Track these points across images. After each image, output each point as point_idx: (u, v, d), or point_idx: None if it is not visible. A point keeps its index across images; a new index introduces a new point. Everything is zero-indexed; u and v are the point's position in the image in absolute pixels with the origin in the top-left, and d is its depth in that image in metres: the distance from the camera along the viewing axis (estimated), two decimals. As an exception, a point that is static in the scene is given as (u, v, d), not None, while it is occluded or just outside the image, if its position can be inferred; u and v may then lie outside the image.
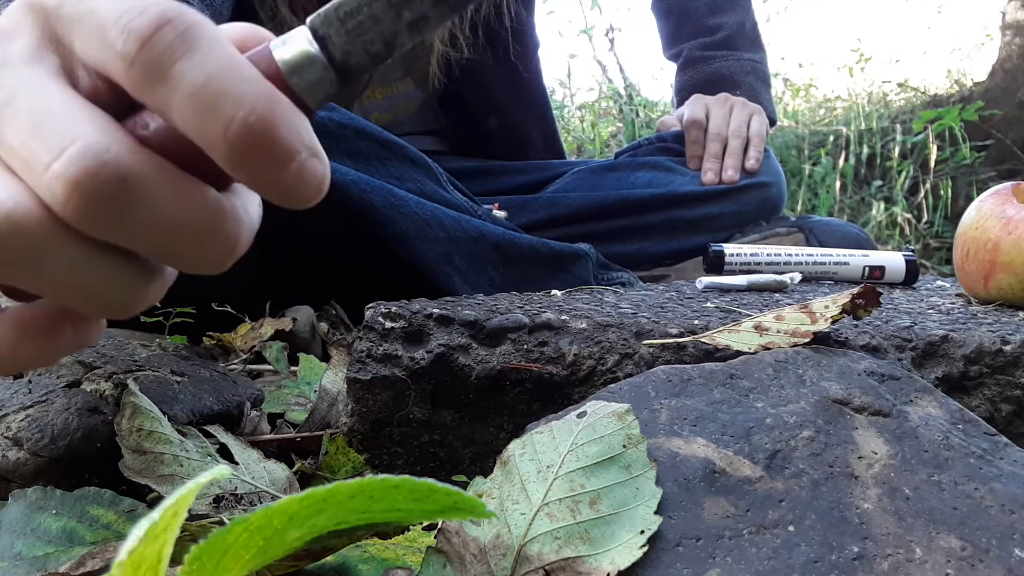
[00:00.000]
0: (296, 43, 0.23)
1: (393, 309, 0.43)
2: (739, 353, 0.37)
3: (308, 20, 0.23)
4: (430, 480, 0.22)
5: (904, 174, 3.13)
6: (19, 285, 0.24)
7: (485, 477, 0.31)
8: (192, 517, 0.34)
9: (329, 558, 0.31)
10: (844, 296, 0.39)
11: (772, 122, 1.12)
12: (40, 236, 0.22)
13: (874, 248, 0.91)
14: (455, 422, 0.42)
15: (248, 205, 0.25)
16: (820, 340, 0.38)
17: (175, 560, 0.19)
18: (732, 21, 1.16)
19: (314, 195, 0.23)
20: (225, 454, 0.40)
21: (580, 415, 0.32)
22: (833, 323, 0.38)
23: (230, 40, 0.23)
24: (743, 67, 1.15)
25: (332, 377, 0.51)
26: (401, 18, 0.22)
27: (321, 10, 0.22)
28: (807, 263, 0.73)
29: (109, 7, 0.22)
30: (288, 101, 0.22)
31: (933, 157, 3.06)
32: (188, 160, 0.23)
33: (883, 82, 4.06)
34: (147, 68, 0.21)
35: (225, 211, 0.23)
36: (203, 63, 0.21)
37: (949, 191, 2.98)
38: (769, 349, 0.37)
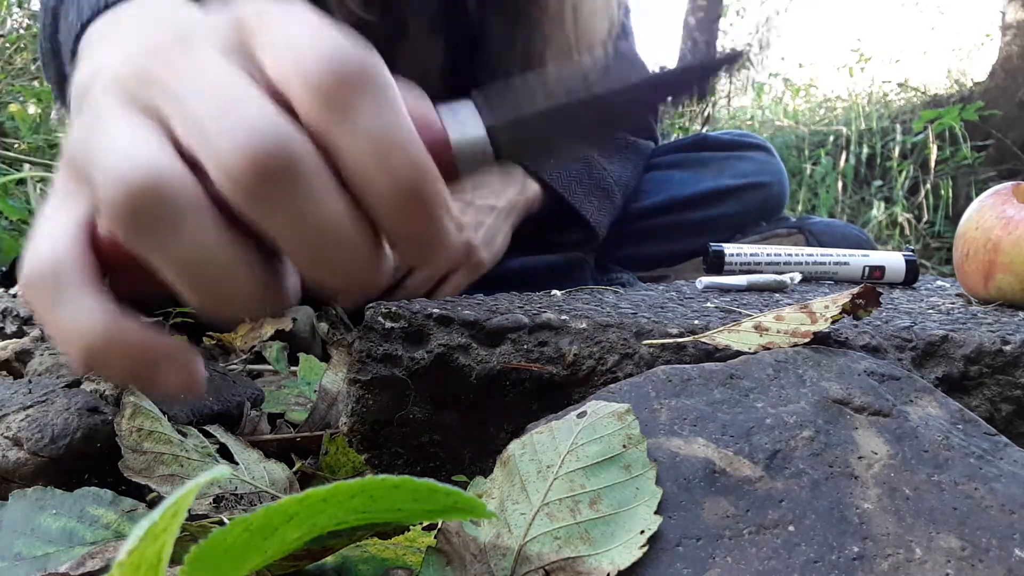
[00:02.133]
0: (470, 128, 0.24)
1: (393, 309, 0.43)
2: (739, 353, 0.37)
3: (482, 112, 0.25)
4: (430, 480, 0.22)
5: (904, 174, 3.13)
6: (144, 253, 0.24)
7: (485, 477, 0.31)
8: (192, 517, 0.34)
9: (329, 558, 0.31)
10: (844, 296, 0.39)
11: (595, 235, 0.88)
12: (186, 202, 0.23)
13: (874, 248, 0.91)
14: (455, 422, 0.42)
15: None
16: (820, 340, 0.38)
17: (175, 560, 0.19)
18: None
19: (441, 253, 0.25)
20: (225, 454, 0.40)
21: (580, 415, 0.32)
22: (833, 323, 0.38)
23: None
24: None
25: (332, 377, 0.51)
26: (567, 144, 0.24)
27: (499, 112, 0.24)
28: (807, 263, 0.73)
29: (309, 33, 0.24)
30: (437, 172, 0.24)
31: (933, 157, 3.07)
32: None
33: (883, 82, 4.06)
34: (333, 105, 0.23)
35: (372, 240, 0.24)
36: (381, 113, 0.23)
37: (949, 191, 2.98)
38: (769, 349, 0.37)
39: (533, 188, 0.81)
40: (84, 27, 0.38)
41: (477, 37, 0.85)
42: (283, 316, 0.74)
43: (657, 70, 0.24)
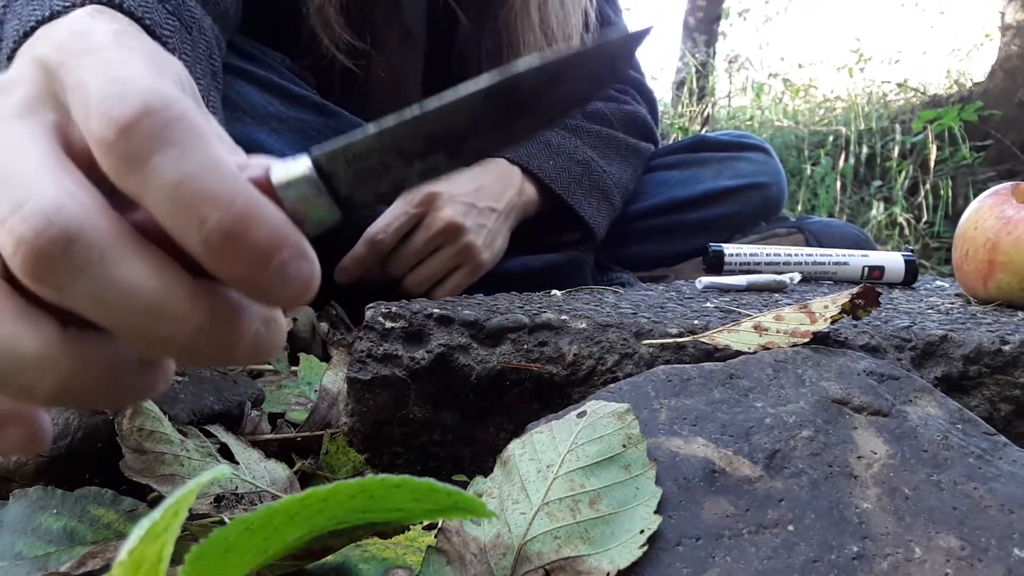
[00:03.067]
0: (296, 168, 0.22)
1: (393, 309, 0.43)
2: (739, 353, 0.37)
3: (312, 151, 0.22)
4: (430, 480, 0.22)
5: (904, 174, 3.13)
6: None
7: (485, 477, 0.31)
8: (193, 517, 0.34)
9: (329, 558, 0.31)
10: (843, 296, 0.39)
11: (593, 236, 0.87)
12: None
13: (873, 248, 0.91)
14: (455, 422, 0.42)
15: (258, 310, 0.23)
16: (819, 340, 0.38)
17: (176, 560, 0.19)
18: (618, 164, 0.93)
19: (299, 295, 0.22)
20: (226, 454, 0.40)
21: (580, 415, 0.32)
22: (832, 323, 0.39)
23: (220, 140, 0.23)
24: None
25: (332, 377, 0.51)
26: (412, 167, 0.22)
27: (327, 146, 0.22)
28: (806, 263, 0.73)
29: (96, 86, 0.22)
30: (269, 203, 0.21)
31: (933, 157, 3.07)
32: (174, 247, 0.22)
33: (883, 82, 4.06)
34: (123, 158, 0.21)
35: (199, 298, 0.22)
36: (179, 160, 0.21)
37: (949, 191, 2.98)
38: (769, 349, 0.37)
39: (530, 191, 0.81)
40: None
41: (449, 44, 0.85)
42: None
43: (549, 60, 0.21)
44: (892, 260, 0.72)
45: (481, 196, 0.76)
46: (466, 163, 0.22)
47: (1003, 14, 3.24)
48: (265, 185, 0.22)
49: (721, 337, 0.39)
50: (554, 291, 0.60)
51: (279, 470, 0.40)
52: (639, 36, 0.22)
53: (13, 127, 0.23)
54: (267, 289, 0.22)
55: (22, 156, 0.22)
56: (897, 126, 3.40)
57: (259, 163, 0.23)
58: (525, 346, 0.41)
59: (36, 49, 0.26)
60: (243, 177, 0.21)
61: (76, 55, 0.24)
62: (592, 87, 0.22)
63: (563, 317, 0.42)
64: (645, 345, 0.40)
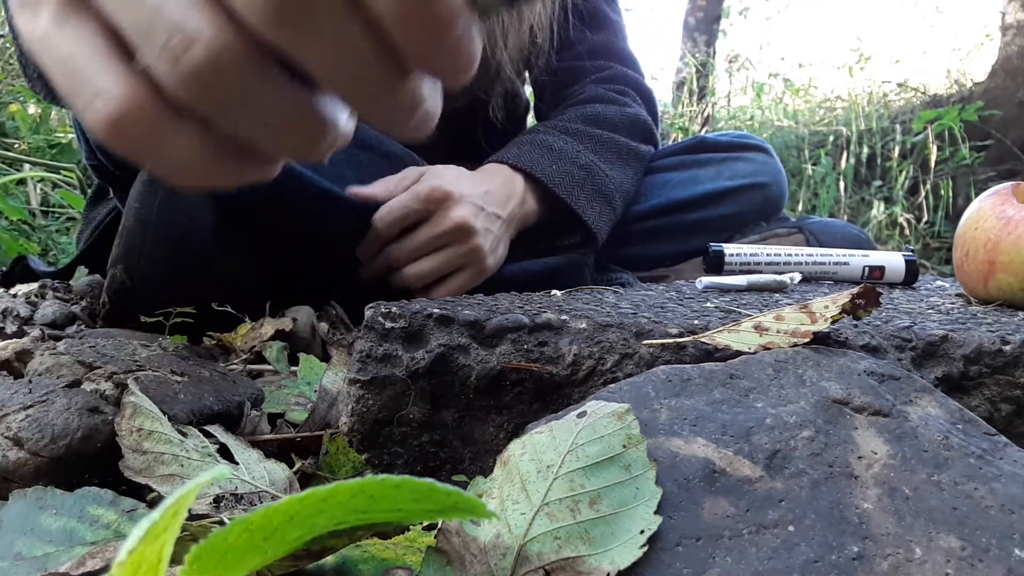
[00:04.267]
0: None
1: (393, 309, 0.43)
2: (739, 353, 0.37)
3: None
4: (430, 480, 0.22)
5: (904, 174, 3.13)
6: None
7: (485, 477, 0.31)
8: (192, 517, 0.34)
9: (329, 558, 0.31)
10: (844, 296, 0.39)
11: (593, 240, 0.86)
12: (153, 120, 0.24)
13: (874, 248, 0.91)
14: (455, 422, 0.42)
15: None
16: (820, 340, 0.38)
17: (175, 560, 0.19)
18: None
19: (465, 69, 0.24)
20: (225, 454, 0.40)
21: (580, 415, 0.32)
22: (833, 323, 0.38)
23: None
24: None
25: (332, 377, 0.51)
26: None
27: None
28: (807, 263, 0.73)
29: None
30: None
31: (933, 157, 3.07)
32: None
33: (883, 82, 4.06)
34: None
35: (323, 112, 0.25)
36: None
37: (949, 191, 2.98)
38: (769, 349, 0.37)
39: (531, 203, 0.82)
40: None
41: None
42: (283, 316, 0.74)
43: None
44: (892, 260, 0.72)
45: (489, 201, 0.76)
46: None
47: (1004, 14, 3.24)
48: None
49: (721, 337, 0.39)
50: (554, 291, 0.60)
51: (279, 470, 0.40)
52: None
53: None
54: (438, 58, 0.24)
55: None
56: (897, 126, 3.40)
57: None
58: (525, 346, 0.41)
59: None
60: None
61: None
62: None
63: (563, 317, 0.42)
64: (645, 345, 0.40)
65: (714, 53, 4.69)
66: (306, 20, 0.23)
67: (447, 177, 0.75)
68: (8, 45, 2.03)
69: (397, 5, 0.23)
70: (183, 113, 0.25)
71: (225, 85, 0.24)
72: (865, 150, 3.38)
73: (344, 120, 0.27)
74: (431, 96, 0.26)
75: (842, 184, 3.27)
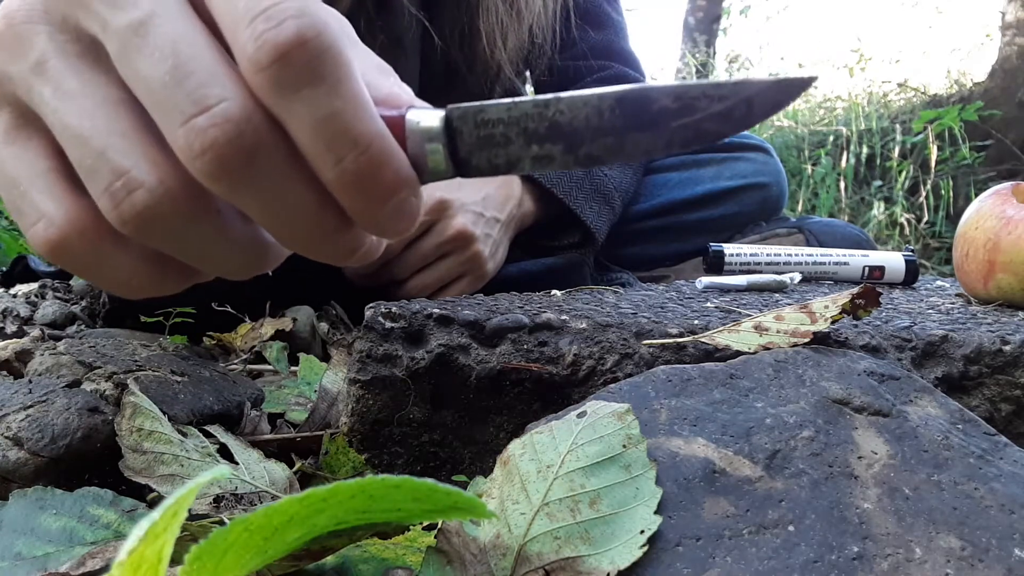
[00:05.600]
0: (429, 118, 0.24)
1: (393, 309, 0.43)
2: (739, 353, 0.37)
3: (448, 107, 0.24)
4: (430, 480, 0.22)
5: (904, 174, 3.13)
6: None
7: (485, 477, 0.31)
8: (192, 517, 0.34)
9: (329, 558, 0.31)
10: (844, 296, 0.39)
11: (593, 240, 0.86)
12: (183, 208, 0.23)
13: (874, 248, 0.91)
14: (455, 422, 0.42)
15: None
16: (820, 340, 0.38)
17: (175, 560, 0.19)
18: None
19: (404, 230, 0.25)
20: (225, 454, 0.40)
21: (580, 415, 0.32)
22: (833, 323, 0.38)
23: (362, 74, 0.24)
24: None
25: (332, 377, 0.51)
26: (529, 149, 0.23)
27: (465, 105, 0.24)
28: (807, 263, 0.73)
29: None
30: (398, 148, 0.23)
31: (933, 157, 3.07)
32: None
33: (883, 82, 4.06)
34: (272, 83, 0.22)
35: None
36: (327, 97, 0.22)
37: (949, 191, 2.98)
38: (769, 349, 0.37)
39: (528, 204, 0.82)
40: None
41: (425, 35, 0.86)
42: (283, 316, 0.74)
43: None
44: (892, 260, 0.72)
45: (487, 206, 0.76)
46: (579, 162, 0.23)
47: (1003, 14, 3.24)
48: (398, 126, 0.24)
49: (721, 337, 0.39)
50: (554, 291, 0.60)
51: (279, 470, 0.40)
52: (790, 86, 0.22)
53: (171, 14, 0.23)
54: (378, 221, 0.24)
55: (185, 42, 0.22)
56: (897, 126, 3.40)
57: (398, 97, 0.25)
58: (525, 346, 0.41)
59: None
60: (380, 121, 0.23)
61: None
62: (722, 125, 0.22)
63: (563, 317, 0.42)
64: (645, 345, 0.40)
65: (714, 53, 4.69)
66: (250, 177, 0.22)
67: (446, 182, 0.75)
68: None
69: (344, 172, 0.22)
70: (124, 239, 0.24)
71: (165, 228, 0.23)
72: (865, 150, 3.38)
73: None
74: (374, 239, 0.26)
75: (842, 184, 3.27)
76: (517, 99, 0.23)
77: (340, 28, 0.26)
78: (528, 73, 1.03)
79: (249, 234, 0.26)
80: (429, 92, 0.91)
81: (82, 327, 0.74)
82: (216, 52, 0.23)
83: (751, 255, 0.73)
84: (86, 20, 0.24)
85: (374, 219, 0.24)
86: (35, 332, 0.67)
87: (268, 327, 0.70)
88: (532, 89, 1.08)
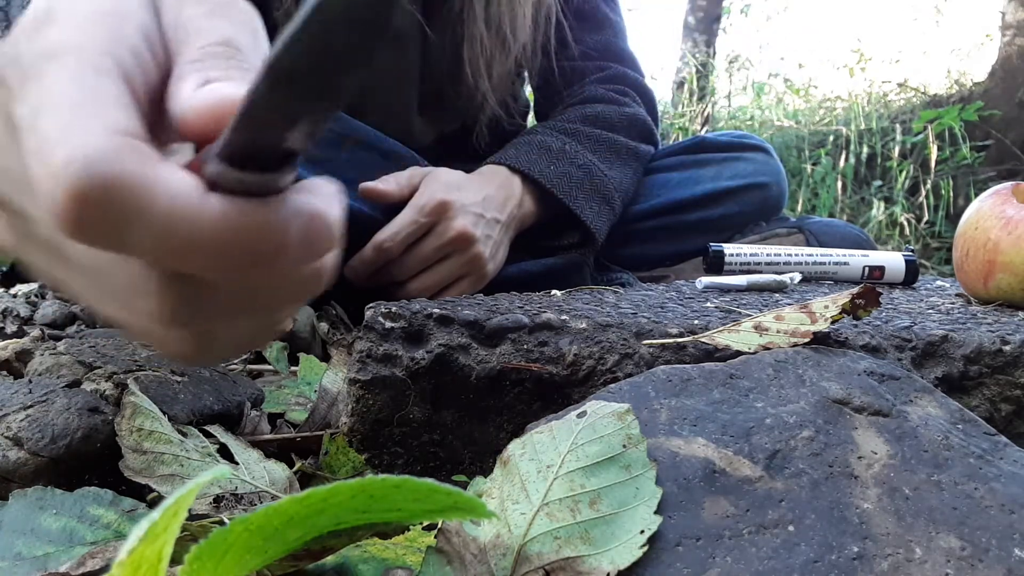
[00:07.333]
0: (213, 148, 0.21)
1: (393, 309, 0.43)
2: (739, 353, 0.37)
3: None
4: (430, 480, 0.22)
5: (904, 174, 3.13)
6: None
7: (485, 477, 0.31)
8: (192, 517, 0.34)
9: (329, 558, 0.31)
10: (844, 296, 0.39)
11: (593, 240, 0.85)
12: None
13: (874, 248, 0.91)
14: (455, 422, 0.42)
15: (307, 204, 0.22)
16: (820, 340, 0.38)
17: (175, 560, 0.19)
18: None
19: (319, 251, 0.23)
20: (225, 454, 0.40)
21: (580, 415, 0.32)
22: (833, 323, 0.38)
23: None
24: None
25: (332, 377, 0.51)
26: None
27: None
28: (807, 263, 0.73)
29: (31, 146, 0.20)
30: (221, 215, 0.20)
31: (933, 157, 3.07)
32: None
33: (883, 82, 4.06)
34: (82, 231, 0.20)
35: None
36: (140, 229, 0.20)
37: (949, 191, 2.98)
38: (769, 349, 0.37)
39: (529, 204, 0.82)
40: None
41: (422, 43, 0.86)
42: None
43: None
44: (892, 260, 0.72)
45: (487, 207, 0.76)
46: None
47: (1003, 14, 3.24)
48: (196, 166, 0.21)
49: (721, 337, 0.39)
50: (554, 291, 0.60)
51: (279, 470, 0.40)
52: None
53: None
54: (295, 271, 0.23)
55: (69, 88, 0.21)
56: (897, 126, 3.40)
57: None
58: (525, 346, 0.41)
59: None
60: (200, 200, 0.20)
61: (19, 81, 0.22)
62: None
63: (563, 317, 0.42)
64: (645, 345, 0.40)
65: (714, 53, 4.69)
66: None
67: (446, 183, 0.75)
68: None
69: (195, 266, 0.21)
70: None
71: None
72: (865, 150, 3.39)
73: None
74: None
75: (842, 184, 3.27)
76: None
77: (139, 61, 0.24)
78: (527, 74, 1.03)
79: None
80: (427, 99, 0.91)
81: (82, 327, 0.74)
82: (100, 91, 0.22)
83: (751, 255, 0.73)
84: None
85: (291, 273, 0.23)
86: (35, 332, 0.67)
87: (268, 327, 0.70)
88: (531, 90, 1.08)
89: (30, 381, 0.42)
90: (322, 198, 0.23)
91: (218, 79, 0.23)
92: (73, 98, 0.21)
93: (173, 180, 0.20)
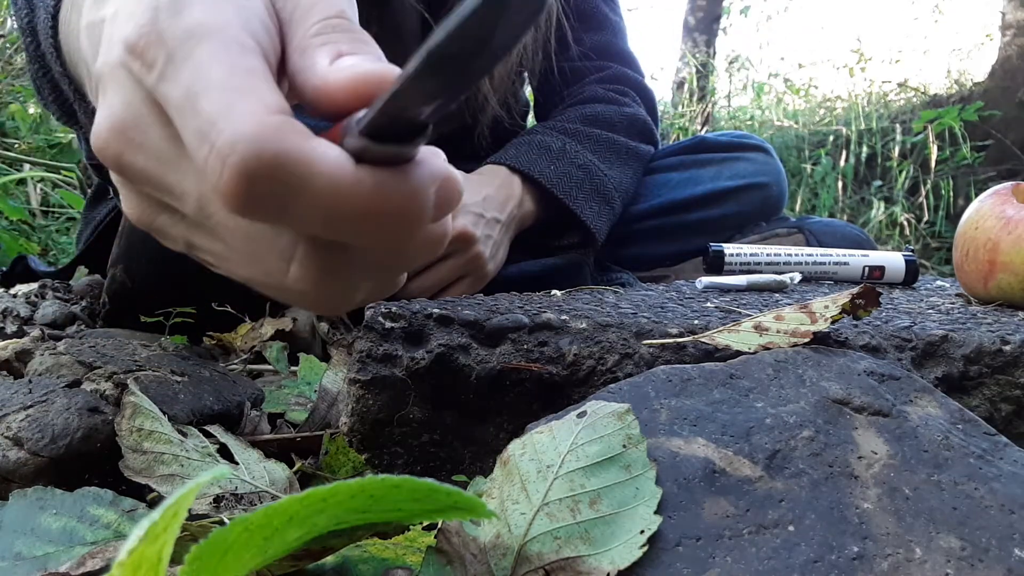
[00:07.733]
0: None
1: (393, 309, 0.43)
2: (739, 353, 0.37)
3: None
4: (430, 480, 0.22)
5: (904, 174, 3.13)
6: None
7: (485, 477, 0.31)
8: (192, 517, 0.34)
9: (329, 558, 0.31)
10: (844, 296, 0.39)
11: (593, 240, 0.85)
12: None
13: (874, 248, 0.91)
14: (455, 422, 0.42)
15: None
16: (820, 340, 0.38)
17: (175, 560, 0.19)
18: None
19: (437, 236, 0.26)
20: (225, 454, 0.40)
21: (580, 415, 0.32)
22: (833, 323, 0.38)
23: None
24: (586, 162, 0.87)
25: (332, 377, 0.51)
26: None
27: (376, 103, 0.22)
28: (807, 263, 0.73)
29: (191, 129, 0.22)
30: (370, 183, 0.22)
31: (933, 157, 3.07)
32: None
33: (883, 82, 4.06)
34: (248, 205, 0.22)
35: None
36: (304, 203, 0.22)
37: (949, 191, 2.98)
38: (769, 349, 0.37)
39: (529, 204, 0.82)
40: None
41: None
42: (283, 316, 0.74)
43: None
44: (892, 260, 0.72)
45: (488, 206, 0.76)
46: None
47: (1003, 14, 3.24)
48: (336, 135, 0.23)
49: (721, 337, 0.39)
50: (554, 291, 0.60)
51: (279, 470, 0.40)
52: None
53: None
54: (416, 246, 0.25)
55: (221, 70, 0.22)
56: (897, 126, 3.40)
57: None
58: (525, 346, 0.41)
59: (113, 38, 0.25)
60: (354, 174, 0.22)
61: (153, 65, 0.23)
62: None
63: (563, 317, 0.42)
64: (645, 345, 0.40)
65: (714, 53, 4.69)
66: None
67: None
68: (8, 46, 2.03)
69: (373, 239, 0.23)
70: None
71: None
72: (865, 150, 3.39)
73: None
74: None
75: (842, 184, 3.27)
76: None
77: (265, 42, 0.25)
78: (527, 74, 1.03)
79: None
80: None
81: (82, 327, 0.74)
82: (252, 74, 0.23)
83: (751, 255, 0.73)
84: None
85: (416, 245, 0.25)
86: (35, 332, 0.67)
87: (268, 327, 0.70)
88: (531, 90, 1.08)
89: (30, 381, 0.42)
90: (443, 161, 0.24)
91: (350, 52, 0.25)
92: (228, 80, 0.22)
93: (330, 155, 0.22)
